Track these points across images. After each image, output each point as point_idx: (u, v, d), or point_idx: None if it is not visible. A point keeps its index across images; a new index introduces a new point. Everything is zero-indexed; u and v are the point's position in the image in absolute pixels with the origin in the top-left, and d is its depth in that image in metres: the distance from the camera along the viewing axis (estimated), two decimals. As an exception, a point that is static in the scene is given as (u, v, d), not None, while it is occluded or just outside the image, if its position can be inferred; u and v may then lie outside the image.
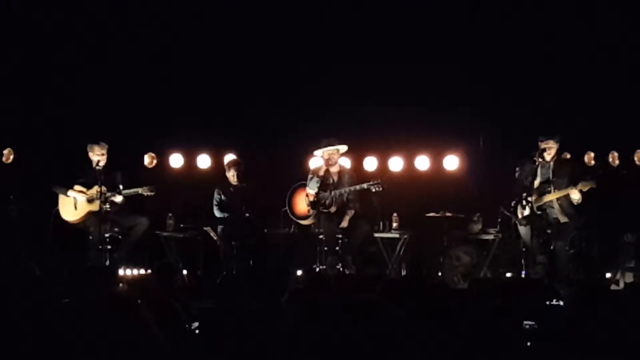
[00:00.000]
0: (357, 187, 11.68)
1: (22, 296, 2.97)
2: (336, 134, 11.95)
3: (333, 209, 11.77)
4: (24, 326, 2.63)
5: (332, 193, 11.76)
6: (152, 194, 11.37)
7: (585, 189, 10.69)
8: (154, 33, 12.83)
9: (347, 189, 11.73)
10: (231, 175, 12.04)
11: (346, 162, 12.53)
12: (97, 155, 11.36)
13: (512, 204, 11.12)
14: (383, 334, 2.01)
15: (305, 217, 11.97)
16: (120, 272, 10.80)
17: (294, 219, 12.12)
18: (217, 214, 12.08)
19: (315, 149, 12.00)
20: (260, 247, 11.92)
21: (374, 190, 11.51)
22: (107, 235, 11.33)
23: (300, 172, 12.40)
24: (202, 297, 8.13)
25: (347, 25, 12.88)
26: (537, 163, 10.96)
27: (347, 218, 11.72)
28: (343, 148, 11.96)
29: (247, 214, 11.74)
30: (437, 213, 12.35)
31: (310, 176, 11.92)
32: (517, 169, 11.20)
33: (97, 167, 11.27)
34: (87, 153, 11.42)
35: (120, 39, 12.79)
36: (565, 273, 10.78)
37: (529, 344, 3.36)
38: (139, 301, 2.46)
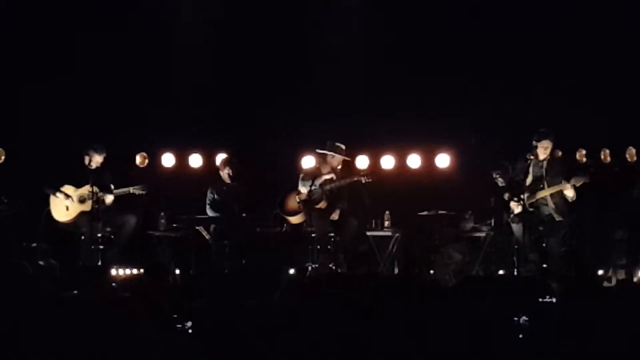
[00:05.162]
0: (348, 179, 11.71)
1: (15, 294, 2.97)
2: (333, 135, 11.99)
3: (323, 205, 11.75)
4: (17, 324, 2.63)
5: (322, 188, 11.75)
6: (144, 192, 11.36)
7: (578, 184, 10.71)
8: (147, 33, 12.79)
9: (337, 183, 11.73)
10: (225, 174, 12.05)
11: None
12: (94, 163, 11.36)
13: (506, 197, 11.12)
14: (373, 330, 2.01)
15: (296, 213, 11.94)
16: (113, 272, 10.77)
17: (286, 216, 12.10)
18: (210, 213, 12.08)
19: (323, 149, 11.94)
20: (252, 246, 11.92)
21: (363, 181, 11.55)
22: (99, 234, 11.32)
23: (292, 171, 12.40)
24: (194, 296, 8.11)
25: (339, 24, 12.87)
26: (528, 161, 10.97)
27: (337, 211, 11.71)
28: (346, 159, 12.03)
29: (240, 213, 11.75)
30: (429, 211, 12.34)
31: (301, 176, 11.95)
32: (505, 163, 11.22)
33: (89, 167, 11.26)
34: (78, 153, 11.38)
35: (112, 38, 12.74)
36: (557, 270, 10.79)
37: (520, 336, 3.37)
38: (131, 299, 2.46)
